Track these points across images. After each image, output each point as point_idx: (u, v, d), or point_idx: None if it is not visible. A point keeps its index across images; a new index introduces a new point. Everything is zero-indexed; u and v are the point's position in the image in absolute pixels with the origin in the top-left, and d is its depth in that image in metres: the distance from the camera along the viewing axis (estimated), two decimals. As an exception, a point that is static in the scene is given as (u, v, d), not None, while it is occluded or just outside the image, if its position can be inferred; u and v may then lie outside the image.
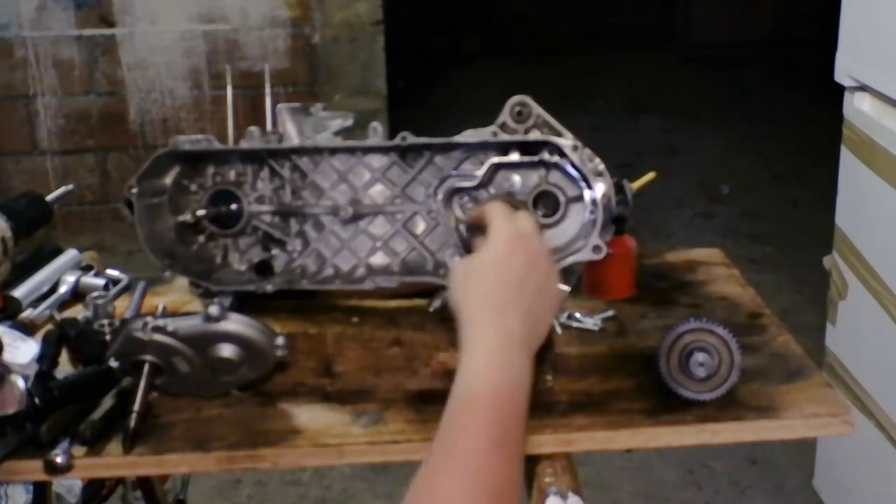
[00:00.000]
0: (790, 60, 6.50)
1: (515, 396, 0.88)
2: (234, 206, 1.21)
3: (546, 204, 1.14)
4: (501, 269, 0.97)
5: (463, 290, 0.97)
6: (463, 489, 0.80)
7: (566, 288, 1.11)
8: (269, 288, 1.18)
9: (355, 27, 4.02)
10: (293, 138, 1.25)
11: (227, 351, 1.06)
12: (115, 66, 4.03)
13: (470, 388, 0.88)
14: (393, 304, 1.23)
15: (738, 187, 4.57)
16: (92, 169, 4.15)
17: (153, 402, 1.06)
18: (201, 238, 1.23)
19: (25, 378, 1.00)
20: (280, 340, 1.07)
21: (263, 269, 1.22)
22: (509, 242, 0.99)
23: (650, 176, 1.34)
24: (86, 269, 1.38)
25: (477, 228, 1.09)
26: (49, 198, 1.39)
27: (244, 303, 1.18)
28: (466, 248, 1.16)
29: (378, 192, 1.20)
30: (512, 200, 1.12)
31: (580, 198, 1.13)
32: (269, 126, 1.26)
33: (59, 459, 0.97)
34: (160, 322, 1.04)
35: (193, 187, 1.22)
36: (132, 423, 1.01)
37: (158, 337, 1.04)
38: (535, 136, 1.13)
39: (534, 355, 0.95)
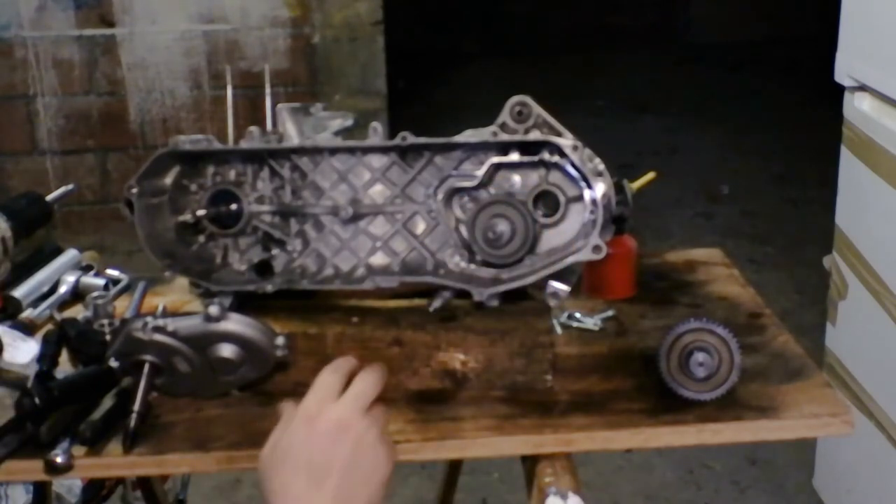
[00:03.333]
0: (790, 60, 6.49)
1: None
2: (234, 206, 1.21)
3: (546, 204, 1.14)
4: (300, 451, 0.90)
5: (269, 478, 0.90)
6: None
7: (566, 288, 1.11)
8: (269, 288, 1.18)
9: (355, 27, 4.02)
10: (293, 138, 1.25)
11: (227, 351, 1.06)
12: (115, 66, 4.03)
13: None
14: (393, 304, 1.22)
15: (738, 187, 4.57)
16: (92, 169, 4.15)
17: (153, 402, 1.06)
18: (201, 238, 1.23)
19: (25, 378, 1.00)
20: (280, 340, 1.07)
21: (263, 269, 1.22)
22: (303, 423, 0.91)
23: (650, 176, 1.34)
24: (86, 269, 1.38)
25: None
26: (49, 198, 1.40)
27: (244, 303, 1.18)
28: (467, 248, 1.16)
29: (378, 192, 1.20)
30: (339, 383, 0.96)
31: (580, 198, 1.13)
32: (269, 126, 1.26)
33: (59, 459, 0.97)
34: (160, 322, 1.04)
35: (193, 187, 1.22)
36: (132, 423, 1.01)
37: (158, 337, 1.04)
38: (535, 136, 1.12)
39: None
